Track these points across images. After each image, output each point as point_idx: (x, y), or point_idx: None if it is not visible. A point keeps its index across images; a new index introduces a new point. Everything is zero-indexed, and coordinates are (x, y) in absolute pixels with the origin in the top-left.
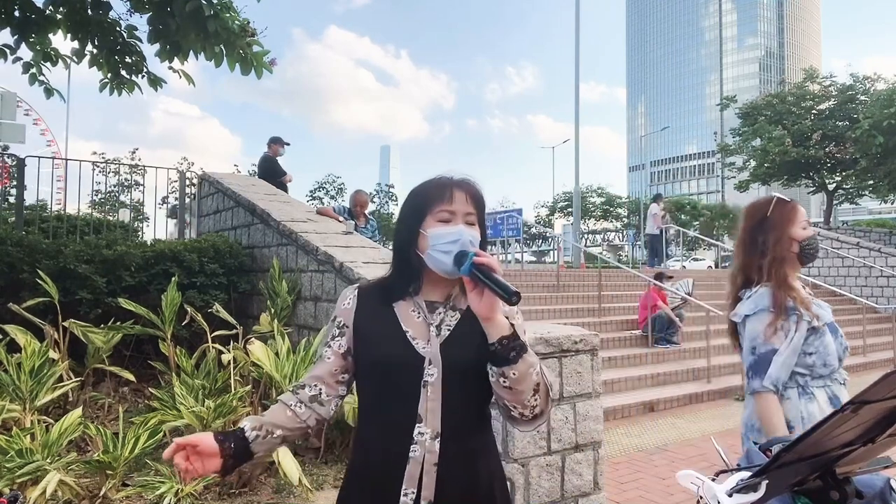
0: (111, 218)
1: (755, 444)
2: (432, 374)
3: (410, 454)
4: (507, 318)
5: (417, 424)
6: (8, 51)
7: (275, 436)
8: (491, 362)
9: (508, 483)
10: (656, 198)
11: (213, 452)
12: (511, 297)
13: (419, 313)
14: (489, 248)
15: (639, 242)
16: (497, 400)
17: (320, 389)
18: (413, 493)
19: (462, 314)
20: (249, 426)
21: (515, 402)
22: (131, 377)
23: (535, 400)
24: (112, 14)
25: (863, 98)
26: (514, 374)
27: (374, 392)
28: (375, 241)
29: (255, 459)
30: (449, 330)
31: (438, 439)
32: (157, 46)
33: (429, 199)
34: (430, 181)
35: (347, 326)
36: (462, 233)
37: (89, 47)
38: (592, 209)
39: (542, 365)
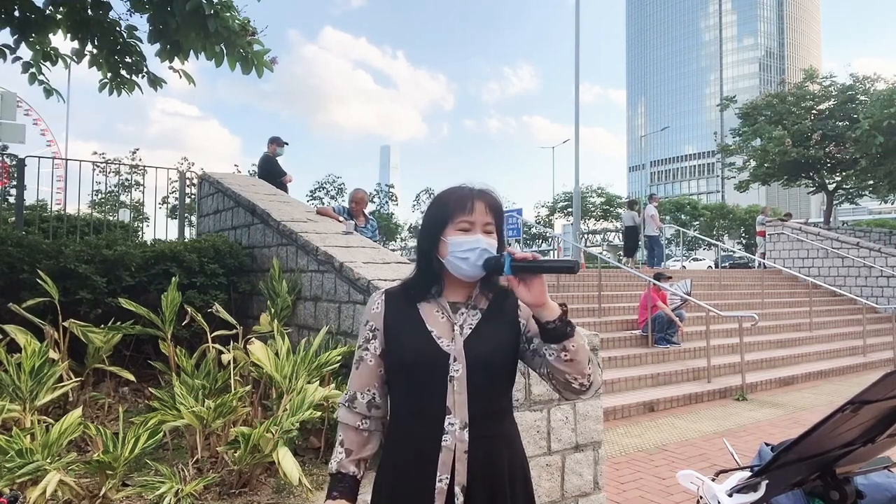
0: (111, 218)
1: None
2: (457, 369)
3: (443, 443)
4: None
5: (447, 416)
6: (8, 51)
7: (367, 460)
8: (551, 341)
9: None
10: (651, 198)
11: None
12: (573, 267)
13: (443, 314)
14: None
15: (638, 243)
16: (556, 376)
17: (374, 394)
18: (447, 478)
19: (483, 313)
20: (355, 470)
21: (577, 374)
22: (131, 377)
23: (590, 367)
24: (112, 14)
25: (863, 98)
26: (573, 346)
27: (404, 388)
28: (375, 241)
29: None
30: (471, 328)
31: (467, 429)
32: (157, 46)
33: (451, 209)
34: (453, 191)
35: (378, 329)
36: (480, 241)
37: (89, 47)
38: (592, 209)
39: None
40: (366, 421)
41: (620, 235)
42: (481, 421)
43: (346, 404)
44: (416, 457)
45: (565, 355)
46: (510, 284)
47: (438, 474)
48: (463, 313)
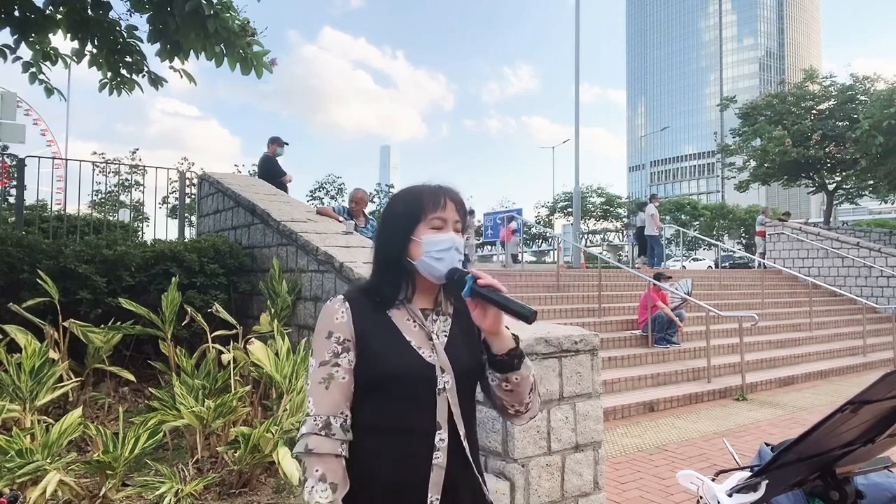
0: (111, 218)
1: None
2: (447, 380)
3: (434, 461)
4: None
5: (438, 432)
6: (8, 51)
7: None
8: (495, 370)
9: (508, 484)
10: (652, 198)
11: None
12: (529, 318)
13: (414, 322)
14: (487, 248)
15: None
16: (495, 401)
17: (345, 416)
18: (437, 499)
19: (451, 318)
20: (341, 500)
21: (514, 402)
22: (131, 377)
23: (530, 396)
24: (112, 14)
25: (863, 98)
26: (516, 378)
27: (381, 405)
28: None
29: None
30: (445, 336)
31: (466, 440)
32: (157, 46)
33: (422, 206)
34: (420, 188)
35: (350, 340)
36: (454, 240)
37: (89, 47)
38: (592, 209)
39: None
40: (344, 446)
41: (621, 235)
42: (469, 430)
43: (322, 432)
44: (398, 479)
45: (506, 385)
46: (468, 306)
47: (430, 495)
48: (435, 320)
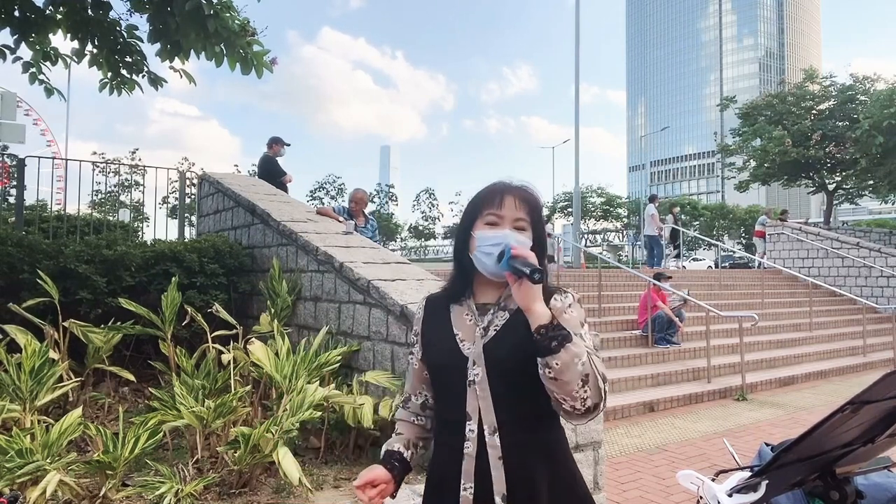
0: (111, 218)
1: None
2: (477, 372)
3: (464, 451)
4: (554, 309)
5: (467, 422)
6: (8, 51)
7: (419, 447)
8: (536, 353)
9: None
10: (652, 198)
11: (388, 480)
12: (533, 275)
13: (471, 316)
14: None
15: (638, 243)
16: (550, 394)
17: (426, 396)
18: (471, 487)
19: (511, 314)
20: (402, 447)
21: (564, 395)
22: (131, 377)
23: (585, 392)
24: (112, 14)
25: (862, 98)
26: (556, 363)
27: (435, 393)
28: (375, 241)
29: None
30: (496, 330)
31: (497, 434)
32: (157, 46)
33: (480, 204)
34: (485, 187)
35: (419, 334)
36: (508, 236)
37: (89, 47)
38: (592, 209)
39: (595, 356)
40: (421, 418)
41: (621, 235)
42: (510, 426)
43: (402, 405)
44: (445, 464)
45: (549, 372)
46: (509, 282)
47: (462, 482)
48: (491, 314)
